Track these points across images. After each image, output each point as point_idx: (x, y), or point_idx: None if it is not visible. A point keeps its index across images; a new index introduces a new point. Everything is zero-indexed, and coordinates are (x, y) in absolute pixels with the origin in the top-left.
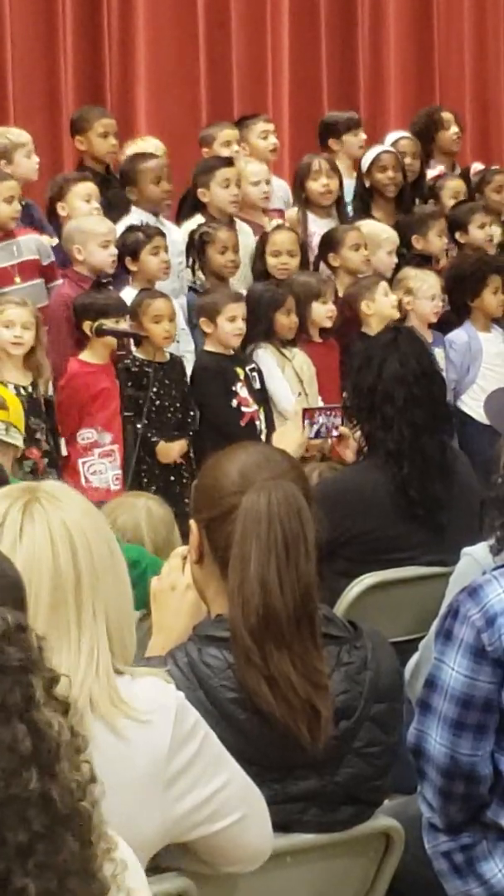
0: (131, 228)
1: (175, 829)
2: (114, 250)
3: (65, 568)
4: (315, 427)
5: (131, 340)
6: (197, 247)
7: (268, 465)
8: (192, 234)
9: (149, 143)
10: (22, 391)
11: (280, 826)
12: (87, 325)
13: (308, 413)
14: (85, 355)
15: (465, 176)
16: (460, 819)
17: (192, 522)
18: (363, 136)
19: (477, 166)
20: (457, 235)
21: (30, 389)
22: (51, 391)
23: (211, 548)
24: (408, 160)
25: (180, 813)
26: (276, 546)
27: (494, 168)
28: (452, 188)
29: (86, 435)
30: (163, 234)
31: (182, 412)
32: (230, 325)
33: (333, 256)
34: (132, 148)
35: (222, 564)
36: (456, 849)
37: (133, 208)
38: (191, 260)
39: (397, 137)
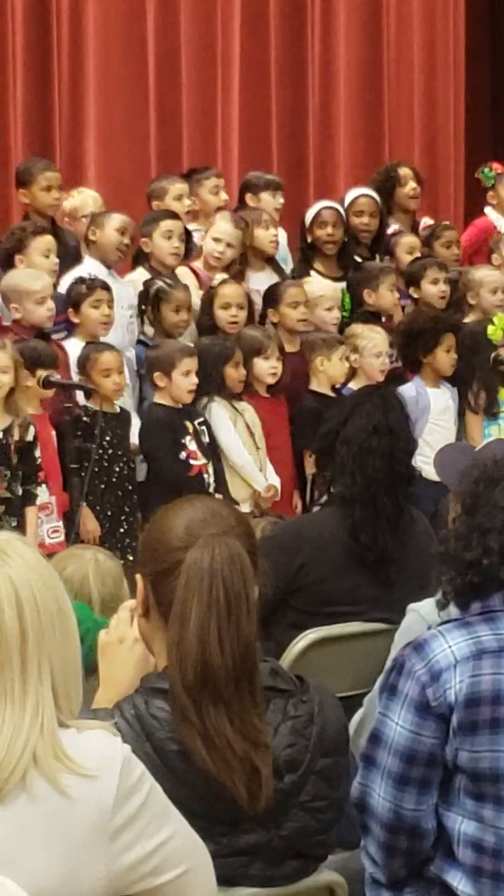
0: (77, 280)
1: (119, 881)
2: (51, 304)
3: (10, 626)
4: None
5: (75, 393)
6: (151, 301)
7: (214, 521)
8: (146, 284)
9: (86, 196)
10: None
11: (225, 880)
12: (23, 376)
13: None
14: None
15: (414, 231)
16: (403, 874)
17: (137, 576)
18: (281, 199)
19: (427, 221)
20: (411, 291)
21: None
22: (30, 436)
23: (156, 602)
24: (364, 219)
25: (125, 866)
26: (217, 604)
27: (444, 223)
28: (407, 244)
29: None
30: (107, 288)
31: (129, 465)
32: (185, 380)
33: (272, 312)
34: (68, 201)
35: (167, 618)
36: None
37: (87, 258)
38: (143, 311)
39: (357, 195)
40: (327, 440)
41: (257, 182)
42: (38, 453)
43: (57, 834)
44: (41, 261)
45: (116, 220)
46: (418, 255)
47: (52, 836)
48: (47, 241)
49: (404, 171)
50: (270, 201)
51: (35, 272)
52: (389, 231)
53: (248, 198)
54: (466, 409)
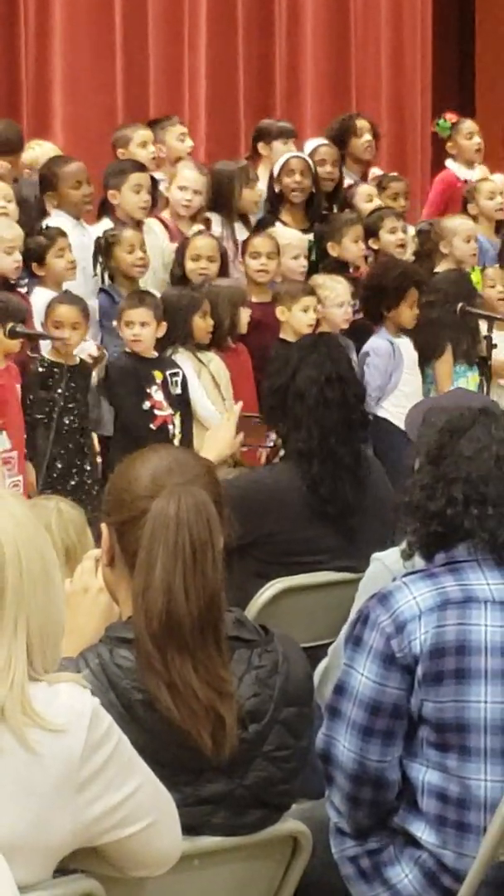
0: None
1: (86, 833)
2: (18, 256)
3: None
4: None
5: (40, 343)
6: (104, 251)
7: (179, 470)
8: (97, 239)
9: (45, 148)
10: None
11: (189, 829)
12: None
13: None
14: None
15: (365, 181)
16: (367, 824)
17: (103, 525)
18: (293, 147)
19: (375, 171)
20: (370, 242)
21: None
22: None
23: (122, 551)
24: (327, 167)
25: (91, 818)
26: (182, 552)
27: (392, 175)
28: (365, 193)
29: None
30: (65, 235)
31: (81, 418)
32: (127, 331)
33: (240, 262)
34: (27, 153)
35: (133, 568)
36: (363, 854)
37: (54, 211)
38: (99, 265)
39: (317, 145)
40: (278, 395)
41: (270, 129)
42: None
43: (24, 787)
44: None
45: (71, 172)
46: (378, 202)
47: (19, 789)
48: None
49: (360, 123)
50: (282, 149)
51: (8, 221)
52: (346, 185)
53: (261, 146)
54: (436, 358)
